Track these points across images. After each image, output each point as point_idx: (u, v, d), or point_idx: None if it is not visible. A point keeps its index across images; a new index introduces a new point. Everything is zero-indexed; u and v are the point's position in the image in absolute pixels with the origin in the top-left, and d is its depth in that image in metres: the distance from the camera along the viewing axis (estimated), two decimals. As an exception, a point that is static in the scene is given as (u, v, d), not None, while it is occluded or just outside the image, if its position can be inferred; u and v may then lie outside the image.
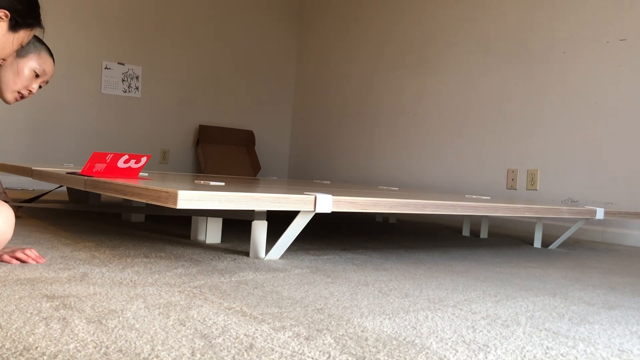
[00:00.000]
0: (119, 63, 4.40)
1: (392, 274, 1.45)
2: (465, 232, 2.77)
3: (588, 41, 3.05)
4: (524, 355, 0.82)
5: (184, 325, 0.85)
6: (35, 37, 1.62)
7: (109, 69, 4.35)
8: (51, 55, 1.64)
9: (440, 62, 3.89)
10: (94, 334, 0.78)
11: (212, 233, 1.81)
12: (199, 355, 0.72)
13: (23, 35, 1.40)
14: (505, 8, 3.49)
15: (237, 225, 2.30)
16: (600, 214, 2.23)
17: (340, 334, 0.87)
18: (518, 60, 3.38)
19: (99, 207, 2.33)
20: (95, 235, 1.81)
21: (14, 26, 1.34)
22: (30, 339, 0.74)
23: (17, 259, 1.26)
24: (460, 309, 1.10)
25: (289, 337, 0.83)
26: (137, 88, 4.48)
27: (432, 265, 1.66)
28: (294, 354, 0.75)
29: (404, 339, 0.86)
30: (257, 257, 1.56)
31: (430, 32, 3.99)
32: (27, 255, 1.27)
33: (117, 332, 0.80)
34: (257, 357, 0.73)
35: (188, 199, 1.19)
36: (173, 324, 0.86)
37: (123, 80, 4.42)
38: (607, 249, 2.53)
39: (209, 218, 1.80)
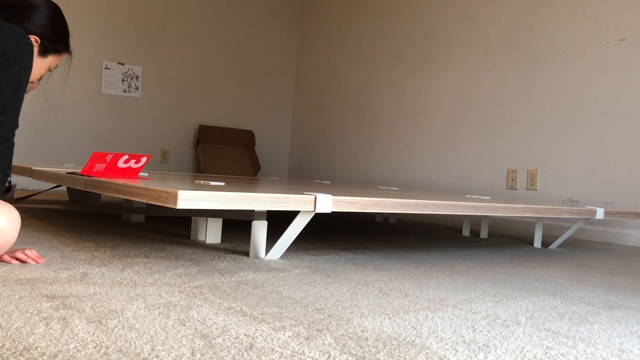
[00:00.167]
0: (119, 63, 4.40)
1: (392, 274, 1.45)
2: (465, 232, 2.77)
3: (588, 41, 3.05)
4: (524, 355, 0.82)
5: (184, 325, 0.85)
6: None
7: (109, 69, 4.35)
8: (70, 52, 1.61)
9: (440, 62, 3.89)
10: (94, 334, 0.78)
11: (212, 233, 1.81)
12: (199, 355, 0.72)
13: (52, 61, 1.46)
14: (506, 8, 3.49)
15: (237, 225, 2.30)
16: (600, 214, 2.23)
17: (340, 334, 0.87)
18: (518, 60, 3.38)
19: (97, 207, 2.34)
20: (95, 235, 1.81)
21: (43, 52, 1.41)
22: (30, 339, 0.74)
23: (17, 259, 1.26)
24: (460, 309, 1.10)
25: (289, 337, 0.83)
26: (137, 88, 4.48)
27: (432, 265, 1.66)
28: (294, 354, 0.75)
29: (404, 339, 0.86)
30: (257, 257, 1.56)
31: (430, 32, 3.99)
32: (26, 256, 1.27)
33: (117, 332, 0.80)
34: (257, 357, 0.73)
35: (188, 199, 1.19)
36: (173, 324, 0.86)
37: (123, 80, 4.42)
38: (607, 249, 2.53)
39: (209, 219, 1.80)
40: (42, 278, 1.12)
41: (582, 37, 3.07)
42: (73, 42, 1.54)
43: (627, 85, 2.86)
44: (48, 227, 1.92)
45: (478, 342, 0.88)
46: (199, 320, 0.89)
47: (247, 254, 1.61)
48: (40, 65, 1.42)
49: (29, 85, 1.46)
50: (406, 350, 0.81)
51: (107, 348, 0.73)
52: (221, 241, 1.83)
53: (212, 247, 1.70)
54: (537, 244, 2.46)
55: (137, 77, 4.48)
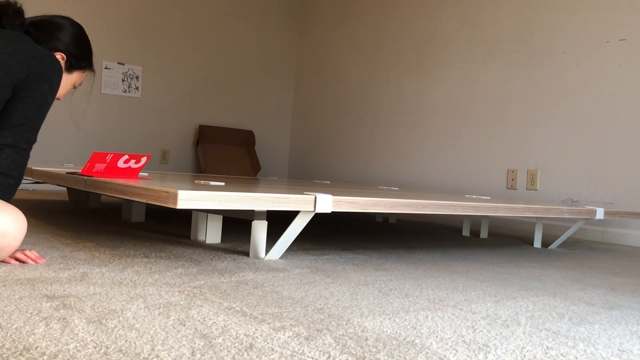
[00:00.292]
0: (119, 63, 4.40)
1: (392, 274, 1.45)
2: (465, 232, 2.77)
3: (588, 41, 3.05)
4: (524, 355, 0.82)
5: (184, 325, 0.85)
6: None
7: (109, 69, 4.35)
8: (93, 69, 1.62)
9: (440, 62, 3.89)
10: (94, 334, 0.78)
11: (212, 233, 1.81)
12: (199, 355, 0.72)
13: (76, 77, 1.53)
14: (506, 8, 3.49)
15: (237, 225, 2.30)
16: (600, 214, 2.23)
17: (340, 334, 0.87)
18: (518, 60, 3.38)
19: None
20: (95, 235, 1.81)
21: (68, 68, 1.49)
22: (30, 339, 0.74)
23: (17, 259, 1.26)
24: (460, 309, 1.10)
25: (289, 337, 0.83)
26: (137, 88, 4.48)
27: (432, 265, 1.66)
28: (294, 354, 0.76)
29: (404, 339, 0.86)
30: (257, 257, 1.56)
31: (430, 32, 3.99)
32: (26, 256, 1.27)
33: (117, 332, 0.80)
34: (257, 357, 0.73)
35: (188, 199, 1.19)
36: (173, 324, 0.86)
37: (123, 80, 4.42)
38: (607, 249, 2.53)
39: (209, 218, 1.80)
40: (42, 278, 1.12)
41: (582, 37, 3.07)
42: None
43: (627, 85, 2.86)
44: (48, 227, 1.92)
45: (478, 342, 0.88)
46: (199, 320, 0.89)
47: (247, 254, 1.62)
48: (66, 81, 1.50)
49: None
50: (406, 350, 0.81)
51: (107, 348, 0.73)
52: (221, 241, 1.83)
53: (212, 247, 1.70)
54: (537, 244, 2.46)
55: (137, 77, 4.48)
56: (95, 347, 0.72)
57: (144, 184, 1.32)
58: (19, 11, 1.40)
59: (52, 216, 2.30)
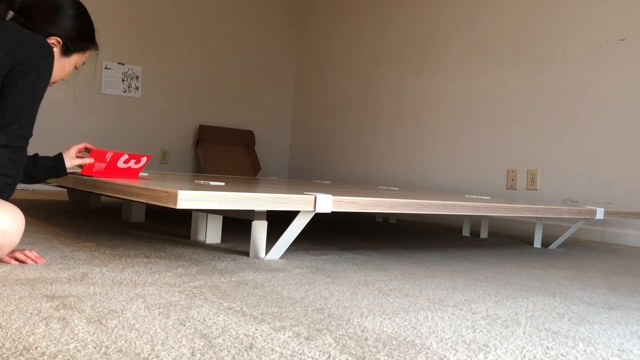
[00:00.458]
0: (119, 63, 4.40)
1: (392, 274, 1.45)
2: (465, 232, 2.77)
3: (588, 41, 3.05)
4: (524, 355, 0.82)
5: (184, 325, 0.85)
6: None
7: (109, 69, 4.35)
8: (97, 47, 1.60)
9: (440, 62, 3.89)
10: (94, 334, 0.78)
11: (212, 233, 1.81)
12: (199, 355, 0.72)
13: (77, 59, 1.47)
14: (506, 8, 3.48)
15: (237, 225, 2.30)
16: (600, 214, 2.23)
17: (340, 334, 0.87)
18: (518, 60, 3.38)
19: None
20: (95, 235, 1.81)
21: (65, 51, 1.42)
22: (30, 339, 0.74)
23: (17, 259, 1.26)
24: (460, 309, 1.10)
25: (289, 337, 0.83)
26: (137, 88, 4.48)
27: (432, 265, 1.66)
28: (294, 354, 0.75)
29: (404, 339, 0.86)
30: (257, 257, 1.56)
31: (430, 32, 3.99)
32: (26, 256, 1.27)
33: (117, 332, 0.80)
34: (257, 357, 0.73)
35: (188, 199, 1.19)
36: (173, 324, 0.86)
37: (123, 80, 4.42)
38: (607, 249, 2.53)
39: (209, 218, 1.80)
40: (42, 278, 1.12)
41: (582, 37, 3.07)
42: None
43: (627, 85, 2.86)
44: (48, 227, 1.92)
45: (478, 342, 0.88)
46: (199, 320, 0.89)
47: (247, 254, 1.61)
48: (64, 64, 1.44)
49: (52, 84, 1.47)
50: (406, 350, 0.81)
51: (107, 348, 0.73)
52: (221, 241, 1.83)
53: (212, 247, 1.70)
54: (537, 244, 2.46)
55: (137, 77, 4.48)
56: (95, 347, 0.72)
57: (144, 184, 1.32)
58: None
59: (52, 216, 2.30)
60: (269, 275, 1.31)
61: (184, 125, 4.75)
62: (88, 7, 1.50)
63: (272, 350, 0.76)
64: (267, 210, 1.54)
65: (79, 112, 4.26)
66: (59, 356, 0.68)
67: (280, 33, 5.23)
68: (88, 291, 1.03)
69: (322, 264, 1.53)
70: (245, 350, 0.75)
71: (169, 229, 2.09)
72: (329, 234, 2.29)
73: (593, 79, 3.01)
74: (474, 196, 2.53)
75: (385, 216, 3.34)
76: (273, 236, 1.77)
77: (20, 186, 3.97)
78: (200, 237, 1.84)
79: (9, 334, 0.75)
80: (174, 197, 1.17)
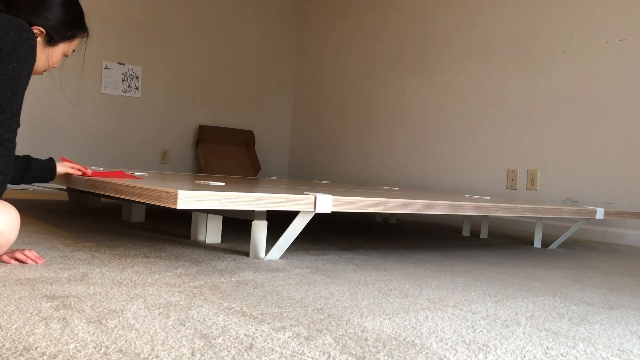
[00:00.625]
0: (119, 63, 4.40)
1: (392, 274, 1.45)
2: (465, 232, 2.76)
3: (588, 41, 3.05)
4: (524, 355, 0.82)
5: (184, 325, 0.85)
6: None
7: (109, 69, 4.35)
8: (86, 33, 1.57)
9: (440, 62, 3.89)
10: (94, 334, 0.78)
11: (212, 233, 1.81)
12: (199, 355, 0.72)
13: (64, 47, 1.42)
14: (506, 8, 3.48)
15: (237, 225, 2.30)
16: (600, 214, 2.23)
17: (340, 334, 0.87)
18: (518, 60, 3.38)
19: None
20: (95, 235, 1.81)
21: (49, 41, 1.37)
22: (30, 339, 0.74)
23: (17, 259, 1.26)
24: (460, 309, 1.10)
25: (289, 337, 0.83)
26: (137, 88, 4.48)
27: (432, 265, 1.66)
28: (294, 354, 0.75)
29: (404, 339, 0.86)
30: (257, 257, 1.56)
31: (430, 32, 3.99)
32: (26, 256, 1.27)
33: (117, 332, 0.80)
34: (257, 357, 0.73)
35: (188, 199, 1.19)
36: (173, 324, 0.85)
37: (123, 80, 4.42)
38: (607, 249, 2.53)
39: (209, 218, 1.80)
40: (42, 278, 1.12)
41: (582, 37, 3.07)
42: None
43: (627, 85, 2.86)
44: (48, 227, 1.92)
45: (478, 342, 0.88)
46: (199, 320, 0.89)
47: (247, 254, 1.61)
48: (50, 53, 1.39)
49: (40, 73, 1.45)
50: (406, 350, 0.81)
51: (107, 348, 0.73)
52: (221, 241, 1.83)
53: (212, 247, 1.70)
54: (537, 244, 2.46)
55: (137, 77, 4.48)
56: (95, 347, 0.72)
57: (144, 184, 1.32)
58: None
59: (52, 216, 2.30)
60: (269, 275, 1.31)
61: (184, 125, 4.75)
62: (88, 6, 1.49)
63: (272, 350, 0.76)
64: (267, 210, 1.54)
65: (79, 112, 4.26)
66: (59, 356, 0.68)
67: (280, 33, 5.23)
68: (88, 291, 1.03)
69: (322, 264, 1.53)
70: (245, 350, 0.75)
71: (169, 229, 2.09)
72: (329, 234, 2.29)
73: (593, 79, 3.01)
74: (474, 196, 2.53)
75: (385, 216, 3.34)
76: (273, 236, 1.77)
77: (19, 185, 3.97)
78: (200, 237, 1.84)
79: (9, 334, 0.75)
80: (174, 197, 1.17)
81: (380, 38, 4.40)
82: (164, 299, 1.02)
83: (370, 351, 0.79)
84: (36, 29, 1.33)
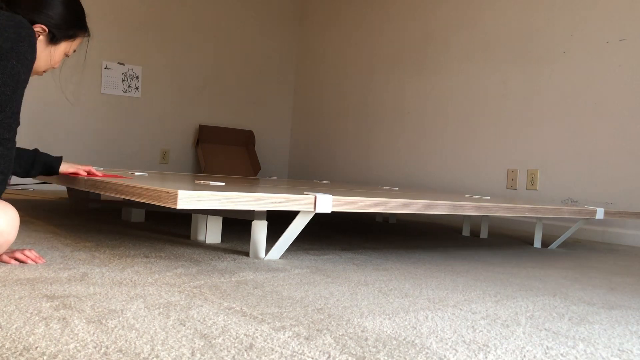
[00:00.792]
0: (119, 63, 4.40)
1: (392, 274, 1.45)
2: (465, 232, 2.76)
3: (588, 41, 3.05)
4: (524, 355, 0.82)
5: (184, 325, 0.85)
6: None
7: (109, 69, 4.35)
8: (87, 33, 1.57)
9: (440, 62, 3.89)
10: (94, 334, 0.78)
11: (212, 233, 1.81)
12: (199, 355, 0.72)
13: (65, 47, 1.41)
14: (506, 8, 3.48)
15: (237, 225, 2.30)
16: (600, 214, 2.23)
17: (340, 334, 0.87)
18: (518, 60, 3.38)
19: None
20: (95, 235, 1.81)
21: (51, 40, 1.36)
22: (30, 339, 0.74)
23: (17, 259, 1.26)
24: (460, 309, 1.10)
25: (289, 337, 0.83)
26: (137, 88, 4.48)
27: (432, 265, 1.66)
28: (294, 354, 0.75)
29: (404, 339, 0.86)
30: (257, 257, 1.56)
31: (430, 32, 3.99)
32: (26, 256, 1.26)
33: (117, 332, 0.80)
34: (257, 357, 0.73)
35: (188, 199, 1.19)
36: (173, 324, 0.85)
37: (123, 80, 4.42)
38: (607, 249, 2.53)
39: (208, 218, 1.80)
40: (42, 278, 1.12)
41: (582, 37, 3.07)
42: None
43: (627, 85, 2.86)
44: (48, 227, 1.92)
45: (478, 342, 0.88)
46: (199, 320, 0.89)
47: (247, 254, 1.61)
48: (52, 52, 1.38)
49: (41, 73, 1.45)
50: (406, 350, 0.81)
51: (107, 348, 0.73)
52: (221, 241, 1.83)
53: (212, 247, 1.70)
54: (537, 244, 2.46)
55: (137, 77, 4.48)
56: (95, 347, 0.72)
57: (144, 184, 1.32)
58: None
59: (52, 216, 2.30)
60: (269, 275, 1.31)
61: (184, 125, 4.75)
62: (88, 6, 1.49)
63: (272, 350, 0.76)
64: (267, 210, 1.54)
65: (79, 112, 4.26)
66: (59, 356, 0.68)
67: (280, 33, 5.23)
68: (88, 291, 1.03)
69: (322, 264, 1.53)
70: (245, 350, 0.75)
71: (169, 229, 2.09)
72: (329, 234, 2.29)
73: (593, 79, 3.01)
74: (474, 196, 2.53)
75: (385, 216, 3.34)
76: (273, 236, 1.77)
77: (21, 186, 3.97)
78: (200, 237, 1.84)
79: (9, 334, 0.75)
80: (174, 197, 1.17)
81: (380, 38, 4.40)
82: (164, 298, 1.02)
83: (370, 351, 0.79)
84: (38, 27, 1.32)
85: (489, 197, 2.51)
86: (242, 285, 1.18)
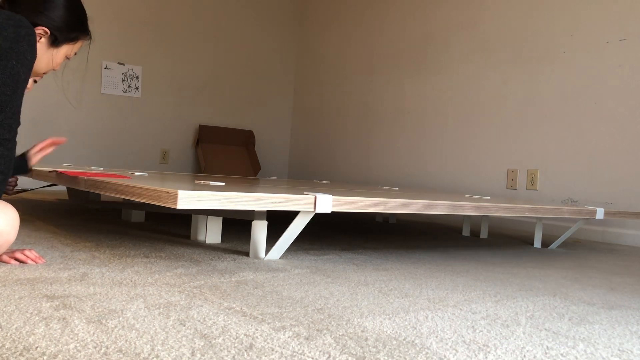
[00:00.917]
0: (119, 63, 4.40)
1: (392, 274, 1.45)
2: (465, 232, 2.76)
3: (588, 41, 3.05)
4: (524, 355, 0.82)
5: (184, 325, 0.85)
6: None
7: (109, 69, 4.35)
8: (89, 36, 1.55)
9: (440, 62, 3.89)
10: (94, 334, 0.78)
11: (212, 233, 1.81)
12: (199, 355, 0.72)
13: (67, 49, 1.41)
14: (506, 8, 3.49)
15: (237, 225, 2.30)
16: (600, 214, 2.23)
17: (340, 334, 0.87)
18: (518, 60, 3.38)
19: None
20: (95, 235, 1.81)
21: (53, 42, 1.35)
22: (30, 339, 0.74)
23: (16, 259, 1.26)
24: (460, 309, 1.10)
25: (289, 337, 0.83)
26: (137, 88, 4.48)
27: (432, 265, 1.66)
28: (294, 354, 0.75)
29: (404, 339, 0.86)
30: (257, 257, 1.56)
31: (430, 32, 3.99)
32: (26, 256, 1.26)
33: (117, 332, 0.80)
34: (257, 357, 0.73)
35: (188, 199, 1.18)
36: (173, 324, 0.85)
37: (123, 80, 4.42)
38: (607, 249, 2.53)
39: (208, 218, 1.80)
40: (42, 278, 1.12)
41: (582, 37, 3.07)
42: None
43: (627, 85, 2.86)
44: (48, 227, 1.92)
45: (478, 342, 0.88)
46: (199, 320, 0.89)
47: (247, 254, 1.61)
48: (53, 55, 1.38)
49: (40, 76, 1.45)
50: (406, 350, 0.81)
51: (107, 348, 0.73)
52: (221, 241, 1.83)
53: (212, 247, 1.70)
54: (537, 244, 2.46)
55: (137, 77, 4.48)
56: (95, 347, 0.72)
57: (144, 184, 1.32)
58: None
59: (52, 216, 2.30)
60: (269, 275, 1.31)
61: (184, 125, 4.75)
62: (88, 6, 1.49)
63: (272, 350, 0.76)
64: (267, 211, 1.54)
65: (79, 112, 4.26)
66: (59, 356, 0.68)
67: (280, 33, 5.23)
68: (88, 291, 1.03)
69: (322, 264, 1.53)
70: (245, 350, 0.75)
71: (169, 229, 2.09)
72: (329, 234, 2.29)
73: (593, 79, 3.01)
74: (474, 196, 2.53)
75: (385, 216, 3.34)
76: (273, 236, 1.77)
77: (19, 186, 3.97)
78: (200, 237, 1.84)
79: (9, 334, 0.75)
80: (174, 197, 1.17)
81: (380, 38, 4.40)
82: (164, 299, 1.02)
83: (370, 351, 0.79)
84: (40, 29, 1.32)
85: (489, 197, 2.51)
86: (242, 285, 1.18)
